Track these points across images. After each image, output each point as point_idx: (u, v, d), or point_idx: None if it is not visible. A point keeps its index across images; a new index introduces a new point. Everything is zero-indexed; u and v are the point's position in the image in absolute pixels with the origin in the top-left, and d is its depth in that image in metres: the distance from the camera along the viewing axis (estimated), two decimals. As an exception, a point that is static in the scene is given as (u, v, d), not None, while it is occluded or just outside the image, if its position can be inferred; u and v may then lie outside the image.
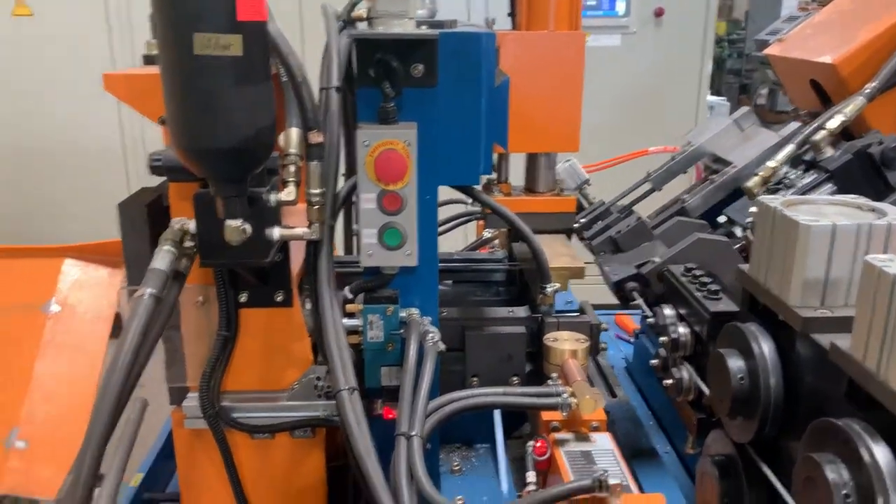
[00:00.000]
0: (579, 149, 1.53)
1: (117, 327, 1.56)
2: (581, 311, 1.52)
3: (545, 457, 1.18)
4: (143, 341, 1.00)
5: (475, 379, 1.46)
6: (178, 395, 1.48)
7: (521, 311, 1.49)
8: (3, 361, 1.54)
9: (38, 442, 1.49)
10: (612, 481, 0.99)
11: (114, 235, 2.12)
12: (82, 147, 4.55)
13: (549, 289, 1.40)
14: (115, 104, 4.44)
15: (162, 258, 1.10)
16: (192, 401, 1.42)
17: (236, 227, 1.11)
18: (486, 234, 2.13)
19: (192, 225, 1.17)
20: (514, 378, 1.46)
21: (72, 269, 1.76)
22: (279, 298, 1.38)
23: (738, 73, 6.93)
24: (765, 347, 1.03)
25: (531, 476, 1.17)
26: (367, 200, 1.20)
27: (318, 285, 1.23)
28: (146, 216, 1.40)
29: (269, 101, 1.05)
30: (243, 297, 1.37)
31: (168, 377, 1.46)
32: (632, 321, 2.30)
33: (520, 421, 1.63)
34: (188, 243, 1.17)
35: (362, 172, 1.19)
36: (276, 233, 1.20)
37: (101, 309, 1.71)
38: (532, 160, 1.66)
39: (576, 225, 1.72)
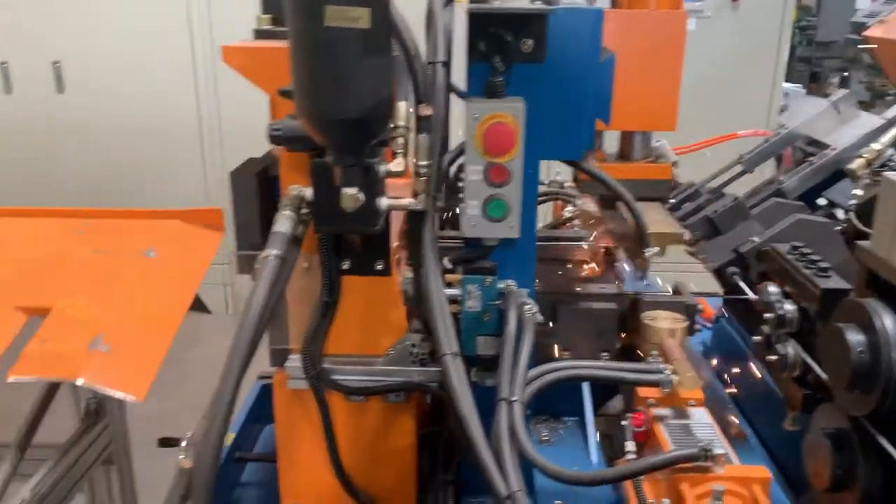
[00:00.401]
0: (676, 128, 1.54)
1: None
2: (676, 291, 1.53)
3: (643, 428, 1.20)
4: (270, 298, 1.05)
5: (566, 353, 1.48)
6: (279, 357, 1.55)
7: (613, 288, 1.51)
8: (101, 288, 1.64)
9: (121, 351, 1.58)
10: (716, 451, 1.00)
11: (190, 204, 2.26)
12: (165, 122, 4.74)
13: (648, 253, 1.42)
14: (193, 84, 4.64)
15: (283, 222, 1.16)
16: (294, 362, 1.49)
17: (352, 195, 1.15)
18: (567, 212, 2.14)
19: (308, 192, 1.22)
20: (604, 354, 1.48)
21: (176, 228, 1.89)
22: (379, 267, 1.43)
23: (809, 60, 6.74)
24: (887, 322, 1.05)
25: (630, 445, 1.20)
26: (473, 172, 1.24)
27: (423, 254, 1.27)
28: (256, 185, 1.47)
29: (391, 73, 1.09)
30: (345, 265, 1.43)
31: (270, 339, 1.52)
32: (708, 306, 2.30)
33: (604, 398, 1.66)
34: (303, 210, 1.22)
35: (470, 145, 1.23)
36: (384, 202, 1.24)
37: (194, 262, 1.83)
38: (627, 131, 1.67)
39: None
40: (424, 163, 1.24)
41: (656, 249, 1.42)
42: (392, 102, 1.11)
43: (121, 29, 4.55)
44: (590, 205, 1.82)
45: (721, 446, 1.06)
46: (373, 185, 1.20)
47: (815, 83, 6.42)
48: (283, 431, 1.58)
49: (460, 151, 1.32)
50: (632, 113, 1.52)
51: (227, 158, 4.80)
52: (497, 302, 1.35)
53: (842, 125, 1.70)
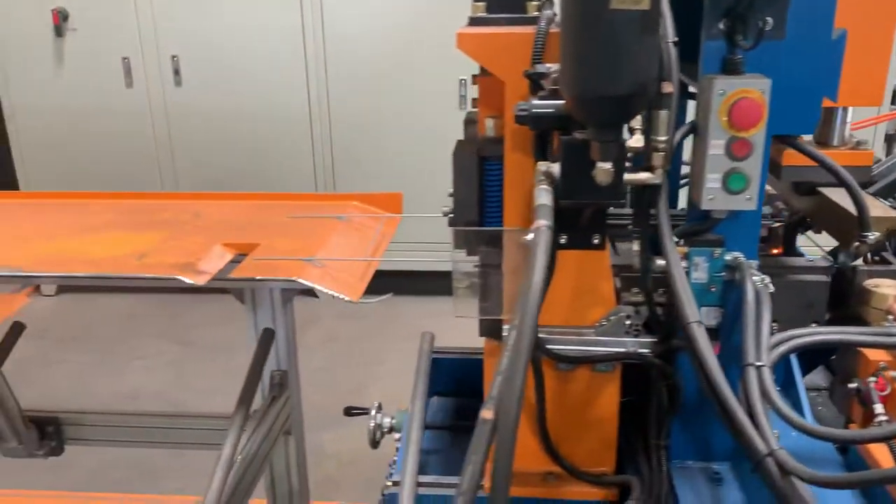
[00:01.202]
0: (882, 102, 1.55)
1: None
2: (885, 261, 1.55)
3: (886, 392, 1.24)
4: (546, 265, 1.12)
5: (775, 324, 1.52)
6: (489, 328, 1.63)
7: (822, 261, 1.54)
8: (303, 235, 1.86)
9: (334, 267, 1.71)
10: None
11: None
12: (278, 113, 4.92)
13: (871, 237, 1.45)
14: (304, 77, 4.80)
15: (545, 196, 1.23)
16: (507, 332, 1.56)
17: (607, 170, 1.22)
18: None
19: (555, 168, 1.29)
20: (814, 325, 1.52)
21: (356, 209, 2.05)
22: (596, 241, 1.50)
23: None
24: None
25: (879, 408, 1.23)
26: (714, 147, 1.28)
27: (661, 227, 1.32)
28: (476, 164, 1.55)
29: (658, 51, 1.15)
30: (563, 240, 1.49)
31: (481, 310, 1.60)
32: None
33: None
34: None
35: (714, 120, 1.27)
36: (624, 177, 1.30)
37: (373, 228, 1.98)
38: (827, 113, 1.69)
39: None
40: (662, 138, 1.29)
41: (878, 234, 1.45)
42: (655, 80, 1.17)
43: (234, 24, 4.73)
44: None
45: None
46: (621, 160, 1.26)
47: None
48: (492, 399, 1.66)
49: (692, 128, 1.37)
50: (841, 88, 1.54)
51: (335, 146, 4.94)
52: (722, 274, 1.40)
53: None
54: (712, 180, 1.30)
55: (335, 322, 4.84)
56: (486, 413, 1.08)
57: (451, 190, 1.58)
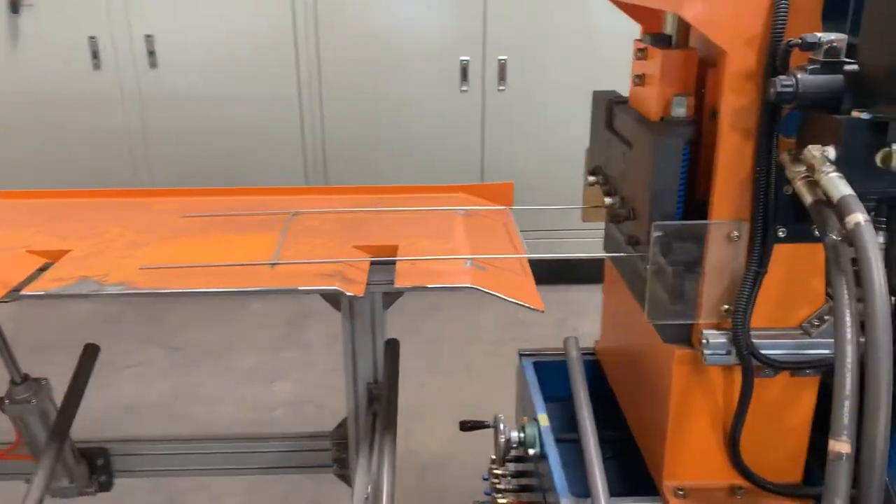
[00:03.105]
0: None
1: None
2: None
3: None
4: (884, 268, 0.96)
5: None
6: (677, 333, 1.47)
7: None
8: (437, 232, 1.66)
9: (496, 270, 1.51)
10: None
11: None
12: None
13: None
14: (294, 58, 4.49)
15: (843, 182, 1.06)
16: (715, 337, 1.40)
17: (904, 152, 1.07)
18: None
19: (830, 151, 1.13)
20: None
21: (464, 200, 1.91)
22: (816, 233, 1.35)
23: None
24: None
25: None
26: None
27: None
28: (681, 151, 1.38)
29: None
30: (782, 233, 1.34)
31: (675, 314, 1.43)
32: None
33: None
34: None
35: None
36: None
37: (499, 221, 1.81)
38: None
39: None
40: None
41: None
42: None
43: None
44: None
45: None
46: (917, 141, 1.10)
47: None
48: (678, 411, 1.50)
49: None
50: None
51: (326, 131, 4.67)
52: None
53: None
54: None
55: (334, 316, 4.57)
56: (841, 446, 0.92)
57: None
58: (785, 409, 1.49)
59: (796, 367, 1.40)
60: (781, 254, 1.36)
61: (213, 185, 1.92)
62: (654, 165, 1.36)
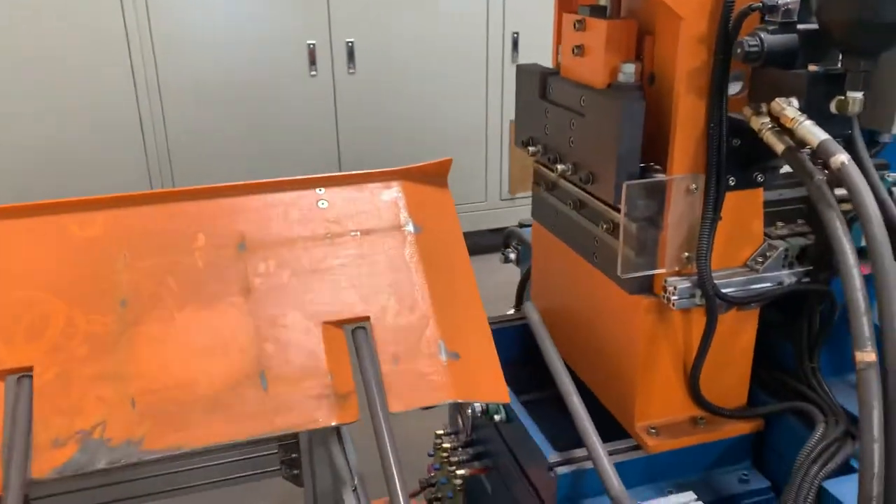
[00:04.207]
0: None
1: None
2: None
3: None
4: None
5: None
6: (642, 284, 1.57)
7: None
8: (397, 283, 1.56)
9: (466, 353, 1.53)
10: None
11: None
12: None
13: None
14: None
15: (818, 128, 1.20)
16: (681, 283, 1.52)
17: (860, 99, 1.22)
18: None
19: (794, 102, 1.26)
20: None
21: (409, 191, 1.78)
22: (759, 179, 1.50)
23: None
24: None
25: None
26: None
27: (859, 152, 1.35)
28: (642, 113, 1.46)
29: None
30: (732, 181, 1.48)
31: (633, 267, 1.53)
32: None
33: None
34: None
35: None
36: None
37: (451, 228, 1.74)
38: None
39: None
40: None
41: None
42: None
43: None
44: None
45: None
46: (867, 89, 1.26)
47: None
48: (646, 357, 1.61)
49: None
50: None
51: (168, 126, 4.37)
52: (884, 195, 1.49)
53: None
54: (904, 106, 1.37)
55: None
56: (867, 356, 1.05)
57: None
58: (733, 342, 1.65)
59: (746, 302, 1.56)
60: (729, 201, 1.51)
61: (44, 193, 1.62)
62: (619, 128, 1.44)
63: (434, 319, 1.55)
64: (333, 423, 1.35)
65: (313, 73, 4.45)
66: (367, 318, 1.49)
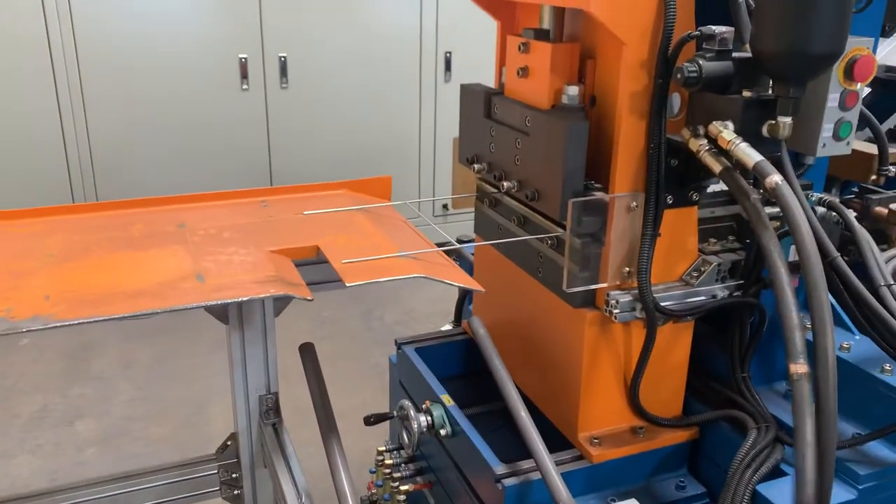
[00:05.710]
0: None
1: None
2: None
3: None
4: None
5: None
6: (585, 298, 1.62)
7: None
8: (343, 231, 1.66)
9: (425, 258, 1.58)
10: None
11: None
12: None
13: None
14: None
15: (753, 150, 1.27)
16: (623, 297, 1.58)
17: (790, 124, 1.31)
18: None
19: (730, 125, 1.34)
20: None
21: (348, 198, 1.90)
22: (695, 198, 1.58)
23: None
24: None
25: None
26: (832, 100, 1.44)
27: (787, 172, 1.44)
28: (586, 134, 1.52)
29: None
30: (669, 199, 1.55)
31: (577, 282, 1.58)
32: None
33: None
34: (720, 143, 1.35)
35: (833, 77, 1.43)
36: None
37: (393, 216, 1.88)
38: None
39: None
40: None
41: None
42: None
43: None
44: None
45: None
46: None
47: None
48: (589, 369, 1.65)
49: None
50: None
51: (92, 141, 4.23)
52: (808, 214, 1.58)
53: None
54: (827, 130, 1.47)
55: (125, 345, 4.19)
56: (800, 367, 1.11)
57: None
58: (670, 353, 1.72)
59: (683, 315, 1.63)
60: (666, 218, 1.58)
61: None
62: (565, 148, 1.49)
63: (387, 241, 1.60)
64: (279, 293, 1.30)
65: (245, 87, 4.39)
66: (317, 247, 1.51)
